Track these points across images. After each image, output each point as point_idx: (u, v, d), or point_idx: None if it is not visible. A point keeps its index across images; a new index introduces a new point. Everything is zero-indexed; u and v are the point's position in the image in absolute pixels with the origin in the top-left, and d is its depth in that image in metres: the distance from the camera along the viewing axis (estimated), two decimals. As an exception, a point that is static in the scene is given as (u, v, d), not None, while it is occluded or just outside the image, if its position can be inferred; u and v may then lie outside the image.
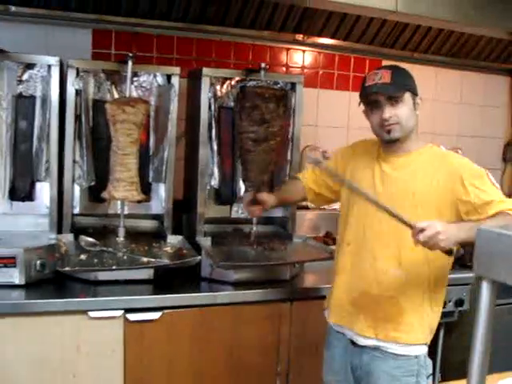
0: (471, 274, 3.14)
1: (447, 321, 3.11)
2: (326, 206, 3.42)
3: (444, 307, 2.94)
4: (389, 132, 2.10)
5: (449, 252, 1.96)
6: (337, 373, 2.29)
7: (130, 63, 2.57)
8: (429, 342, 2.17)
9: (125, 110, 2.53)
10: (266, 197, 2.53)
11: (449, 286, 2.87)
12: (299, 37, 3.41)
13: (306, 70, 3.57)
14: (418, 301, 2.12)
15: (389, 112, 2.07)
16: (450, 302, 3.01)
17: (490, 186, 2.02)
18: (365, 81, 2.14)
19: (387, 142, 2.15)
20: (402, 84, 2.09)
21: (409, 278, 2.10)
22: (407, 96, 2.09)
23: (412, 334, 2.11)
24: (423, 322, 2.13)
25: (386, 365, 2.13)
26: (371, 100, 2.12)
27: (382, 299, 2.13)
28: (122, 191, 2.59)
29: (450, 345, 3.10)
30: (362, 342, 2.17)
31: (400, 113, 2.08)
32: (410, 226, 1.93)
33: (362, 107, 2.21)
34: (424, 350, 2.15)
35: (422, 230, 1.87)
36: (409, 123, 2.10)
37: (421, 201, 2.07)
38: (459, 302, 3.07)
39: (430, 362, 2.19)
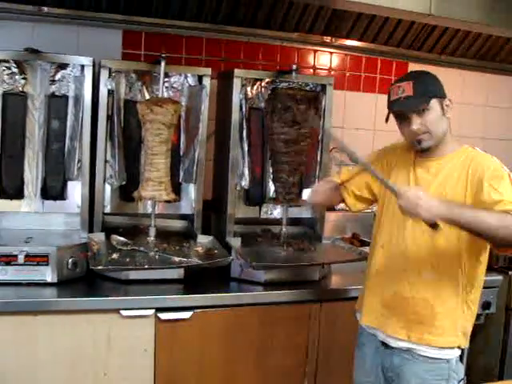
0: (499, 277, 3.13)
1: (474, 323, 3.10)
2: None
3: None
4: (419, 142, 2.09)
5: (433, 226, 1.91)
6: (368, 373, 2.28)
7: (162, 64, 2.59)
8: (463, 346, 2.14)
9: (153, 109, 2.55)
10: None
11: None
12: (327, 39, 3.41)
13: (333, 72, 3.57)
14: (451, 303, 2.10)
15: (416, 123, 2.05)
16: (477, 303, 3.00)
17: (507, 186, 1.98)
18: (389, 94, 2.13)
19: (420, 152, 2.15)
20: (425, 93, 2.07)
21: (442, 280, 2.09)
22: (433, 102, 2.07)
23: (444, 338, 2.10)
24: (456, 326, 2.11)
25: (417, 367, 2.12)
26: (397, 114, 2.12)
27: (414, 301, 2.12)
28: (150, 191, 2.61)
29: (476, 348, 3.08)
30: (394, 343, 2.16)
31: (428, 121, 2.06)
32: (395, 192, 1.93)
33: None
34: (456, 353, 2.13)
35: (404, 195, 1.89)
36: (439, 129, 2.09)
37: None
38: (486, 305, 3.05)
39: (462, 366, 2.18)
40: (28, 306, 2.27)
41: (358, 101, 3.64)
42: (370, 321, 2.25)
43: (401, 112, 2.09)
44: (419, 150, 2.13)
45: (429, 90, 2.09)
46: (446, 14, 2.75)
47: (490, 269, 3.05)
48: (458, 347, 2.13)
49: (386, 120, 2.16)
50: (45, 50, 2.57)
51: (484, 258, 2.13)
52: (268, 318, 2.58)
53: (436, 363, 2.11)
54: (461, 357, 2.18)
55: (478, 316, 3.02)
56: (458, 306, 2.11)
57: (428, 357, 2.11)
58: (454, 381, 2.12)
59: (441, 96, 2.10)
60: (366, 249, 2.88)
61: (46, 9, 2.85)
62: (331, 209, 3.44)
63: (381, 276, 2.23)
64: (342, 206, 3.39)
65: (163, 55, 2.59)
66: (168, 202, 2.68)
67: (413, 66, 3.62)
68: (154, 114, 2.55)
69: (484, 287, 2.71)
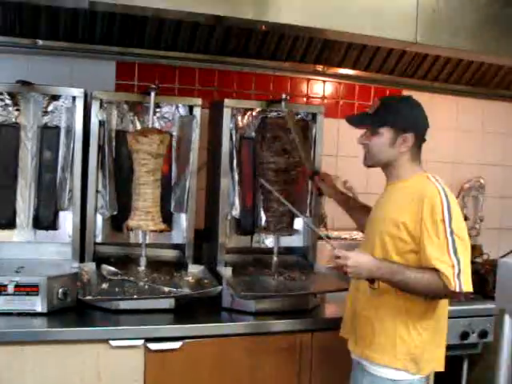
0: (494, 306, 3.10)
1: (471, 353, 3.08)
2: (346, 236, 3.43)
3: (466, 339, 2.93)
4: (364, 158, 2.26)
5: (370, 281, 2.09)
6: None
7: (152, 94, 2.61)
8: (414, 372, 2.13)
9: (138, 140, 2.58)
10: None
11: (472, 317, 2.85)
12: (319, 67, 3.43)
13: (326, 101, 3.59)
14: (388, 323, 2.14)
15: (360, 139, 2.25)
16: (473, 333, 2.98)
17: (441, 237, 2.01)
18: None
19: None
20: (383, 118, 2.16)
21: (381, 298, 2.15)
22: (384, 130, 2.16)
23: (383, 356, 2.15)
24: (396, 346, 2.13)
25: (365, 381, 2.21)
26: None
27: (360, 317, 2.24)
28: (137, 220, 2.63)
29: (474, 377, 3.05)
30: (352, 355, 2.31)
31: (372, 143, 2.20)
32: (332, 247, 2.12)
33: None
34: (404, 377, 2.13)
35: (337, 257, 2.04)
36: (380, 155, 2.20)
37: (388, 227, 2.13)
38: (483, 334, 3.03)
39: None
40: (17, 336, 2.26)
41: (352, 129, 3.61)
42: (343, 333, 2.39)
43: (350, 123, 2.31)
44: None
45: (387, 117, 2.17)
46: (432, 42, 2.76)
47: (486, 297, 3.04)
48: (406, 371, 2.13)
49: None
50: (39, 82, 2.60)
51: None
52: (259, 348, 2.55)
53: (380, 380, 2.16)
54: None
55: (476, 345, 3.03)
56: (397, 327, 2.13)
57: (371, 373, 2.18)
58: None
59: (398, 128, 2.15)
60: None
61: (40, 42, 2.89)
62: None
63: (350, 292, 2.37)
64: (336, 233, 3.44)
65: (153, 86, 2.61)
66: (154, 231, 2.68)
67: (406, 94, 3.63)
68: (140, 144, 2.58)
69: (479, 315, 2.72)
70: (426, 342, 2.15)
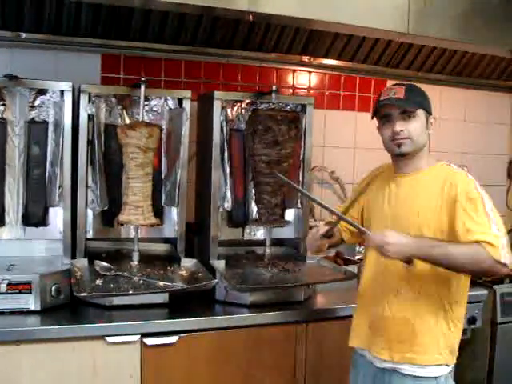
0: (483, 291, 3.15)
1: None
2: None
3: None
4: (399, 146, 2.11)
5: (407, 262, 1.99)
6: None
7: (142, 88, 2.59)
8: (451, 363, 2.13)
9: (127, 133, 2.56)
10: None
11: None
12: (305, 58, 3.43)
13: (312, 91, 3.59)
14: (431, 321, 2.10)
15: (400, 126, 2.09)
16: (464, 318, 3.01)
17: (481, 213, 1.98)
18: (379, 96, 2.16)
19: (397, 157, 2.17)
20: (416, 100, 2.11)
21: (420, 298, 2.10)
22: (420, 113, 2.10)
23: (427, 355, 2.09)
24: (439, 343, 2.10)
25: None
26: (384, 113, 2.14)
27: (394, 321, 2.13)
28: (126, 215, 2.61)
29: (463, 363, 3.09)
30: (379, 364, 2.17)
31: (412, 128, 2.09)
32: (363, 232, 2.03)
33: (370, 127, 2.25)
34: (444, 371, 2.12)
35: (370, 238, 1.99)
36: (420, 140, 2.11)
37: (426, 220, 2.07)
38: (472, 320, 3.07)
39: (452, 383, 2.18)
40: (11, 335, 2.23)
41: (338, 119, 3.66)
42: (358, 342, 2.26)
43: (389, 112, 2.11)
44: (397, 154, 2.15)
45: (419, 99, 2.13)
46: (423, 33, 2.79)
47: (475, 283, 3.08)
48: (446, 365, 2.12)
49: (372, 117, 2.20)
50: (23, 76, 2.55)
51: (464, 275, 2.12)
52: (254, 340, 2.56)
53: (423, 381, 2.10)
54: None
55: (464, 331, 3.04)
56: (439, 323, 2.10)
57: (413, 375, 2.10)
58: None
59: (427, 110, 2.14)
60: (351, 267, 2.90)
61: (23, 34, 2.84)
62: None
63: (365, 297, 2.26)
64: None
65: (143, 79, 2.59)
66: (144, 226, 2.67)
67: (391, 84, 3.64)
68: (128, 137, 2.56)
69: (469, 302, 2.72)
70: (459, 331, 2.15)
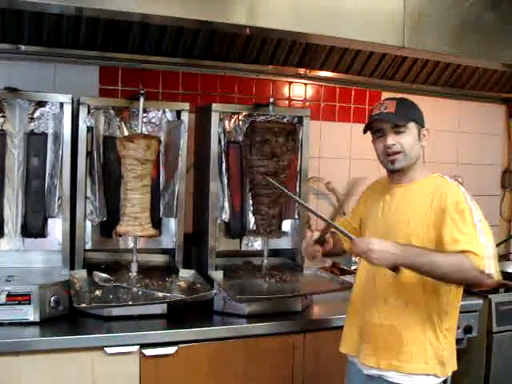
0: (479, 301, 3.17)
1: (456, 348, 3.12)
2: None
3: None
4: (392, 162, 2.15)
5: (394, 269, 1.99)
6: None
7: (141, 100, 2.61)
8: (441, 375, 2.11)
9: (125, 145, 2.58)
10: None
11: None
12: (301, 71, 3.47)
13: (308, 103, 3.63)
14: (418, 330, 2.10)
15: (392, 139, 2.13)
16: (458, 328, 3.01)
17: (468, 223, 1.99)
18: (372, 111, 2.21)
19: (392, 172, 2.21)
20: (406, 114, 2.14)
21: (407, 306, 2.11)
22: (411, 126, 2.14)
23: (413, 364, 2.09)
24: (426, 352, 2.09)
25: None
26: (376, 128, 2.18)
27: (382, 328, 2.15)
28: (125, 226, 2.63)
29: (459, 372, 3.11)
30: (366, 371, 2.19)
31: (403, 141, 2.12)
32: (350, 238, 2.02)
33: (365, 139, 2.27)
34: (432, 382, 2.10)
35: (359, 245, 1.98)
36: (412, 152, 2.15)
37: (415, 228, 2.10)
38: (468, 329, 3.09)
39: None
40: (10, 346, 2.24)
41: (333, 130, 3.70)
42: (348, 349, 2.30)
43: (380, 126, 2.15)
44: (391, 170, 2.19)
45: (410, 112, 2.16)
46: (418, 46, 2.83)
47: (470, 293, 3.10)
48: (435, 375, 2.10)
49: (364, 132, 2.23)
50: (22, 88, 2.57)
51: (456, 287, 2.13)
52: (252, 350, 2.57)
53: None
54: (445, 384, 2.18)
55: (460, 340, 3.07)
56: (426, 333, 2.10)
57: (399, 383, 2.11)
58: None
59: (419, 123, 2.18)
60: (347, 278, 2.92)
61: (23, 47, 2.86)
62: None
63: (356, 304, 2.30)
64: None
65: (142, 91, 2.61)
66: (142, 237, 2.69)
67: (386, 95, 3.66)
68: (127, 149, 2.58)
69: (464, 311, 2.73)
70: (450, 342, 2.15)
